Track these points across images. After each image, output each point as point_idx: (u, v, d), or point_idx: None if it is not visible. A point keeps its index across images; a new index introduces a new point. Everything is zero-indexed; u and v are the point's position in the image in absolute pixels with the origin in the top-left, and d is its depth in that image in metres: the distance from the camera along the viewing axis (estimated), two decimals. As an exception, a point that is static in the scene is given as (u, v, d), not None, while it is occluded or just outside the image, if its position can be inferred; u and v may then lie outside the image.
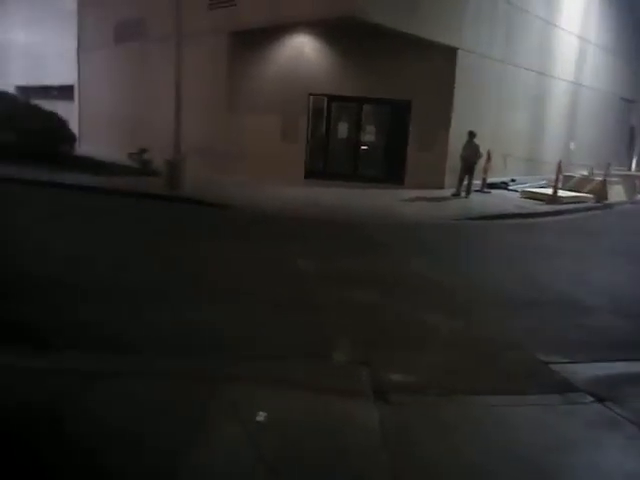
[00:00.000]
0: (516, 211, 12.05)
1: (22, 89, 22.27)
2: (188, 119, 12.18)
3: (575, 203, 14.01)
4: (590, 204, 14.40)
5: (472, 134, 13.44)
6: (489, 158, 14.11)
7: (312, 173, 14.99)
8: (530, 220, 11.64)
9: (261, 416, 2.76)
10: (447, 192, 13.81)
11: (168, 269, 6.05)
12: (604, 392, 3.56)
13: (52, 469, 2.38)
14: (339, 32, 13.49)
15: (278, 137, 14.76)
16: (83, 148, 17.23)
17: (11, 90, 19.67)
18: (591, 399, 3.46)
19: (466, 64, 14.40)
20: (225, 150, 14.41)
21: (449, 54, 14.01)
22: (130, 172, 13.50)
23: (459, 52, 14.12)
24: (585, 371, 4.02)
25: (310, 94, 14.66)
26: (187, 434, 2.61)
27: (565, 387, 3.68)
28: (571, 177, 15.93)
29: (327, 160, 15.42)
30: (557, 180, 13.97)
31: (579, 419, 3.18)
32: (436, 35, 13.43)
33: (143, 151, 14.16)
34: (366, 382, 3.46)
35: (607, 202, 14.87)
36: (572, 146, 19.56)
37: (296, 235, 8.44)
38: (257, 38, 14.27)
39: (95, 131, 19.29)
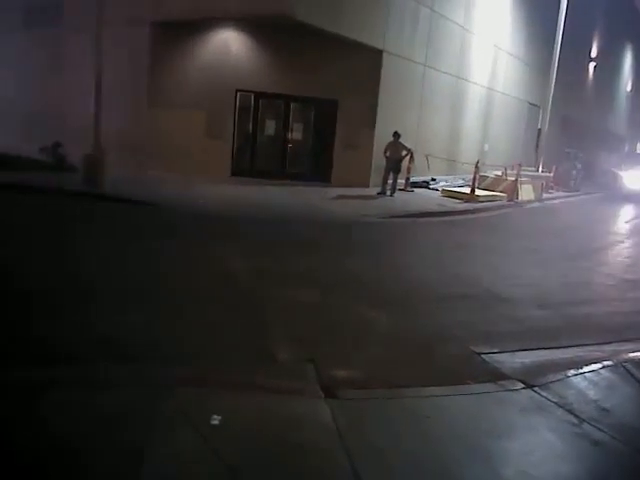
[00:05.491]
0: (438, 209, 12.60)
1: None
2: (108, 113, 11.59)
3: (490, 201, 14.88)
4: (503, 202, 15.36)
5: (397, 134, 13.85)
6: (412, 158, 14.62)
7: (239, 170, 14.82)
8: (451, 217, 12.22)
9: (215, 419, 2.73)
10: (372, 190, 14.16)
11: (104, 270, 5.77)
12: (532, 378, 3.84)
13: None
14: (268, 29, 13.43)
15: (204, 134, 14.44)
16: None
17: None
18: (521, 385, 3.72)
19: (390, 66, 14.83)
20: (147, 146, 13.90)
21: (375, 55, 14.37)
22: (42, 167, 12.59)
23: (384, 54, 14.51)
24: (513, 359, 4.33)
25: (237, 90, 14.48)
26: (141, 440, 2.54)
27: (497, 375, 3.93)
28: (486, 177, 16.87)
29: (254, 157, 15.31)
30: (474, 179, 14.76)
31: (513, 405, 3.42)
32: (362, 37, 13.74)
33: (57, 145, 13.25)
34: (314, 380, 3.51)
35: (518, 201, 15.92)
36: (486, 147, 20.71)
37: (229, 233, 8.33)
38: (182, 31, 13.87)
39: None
